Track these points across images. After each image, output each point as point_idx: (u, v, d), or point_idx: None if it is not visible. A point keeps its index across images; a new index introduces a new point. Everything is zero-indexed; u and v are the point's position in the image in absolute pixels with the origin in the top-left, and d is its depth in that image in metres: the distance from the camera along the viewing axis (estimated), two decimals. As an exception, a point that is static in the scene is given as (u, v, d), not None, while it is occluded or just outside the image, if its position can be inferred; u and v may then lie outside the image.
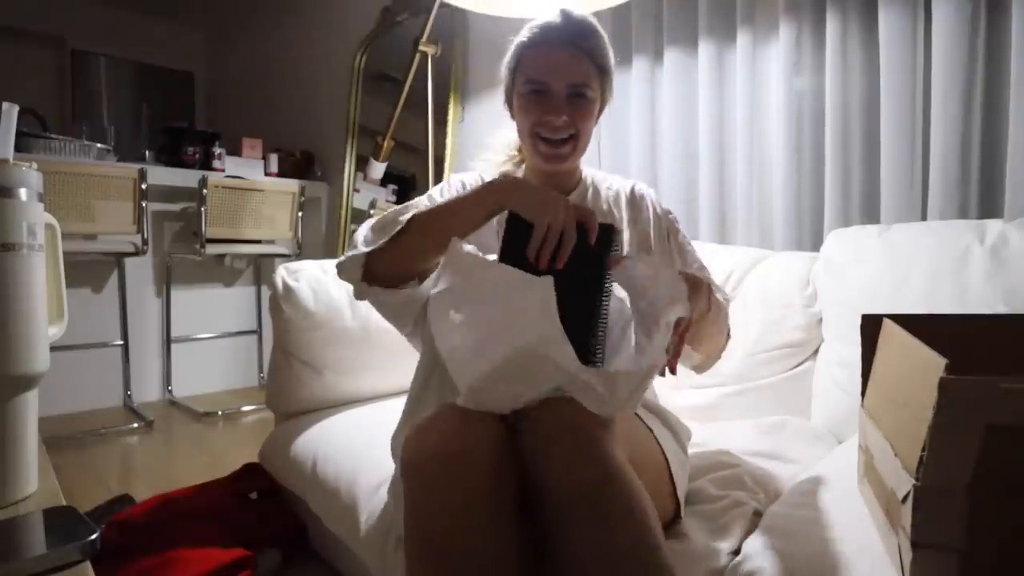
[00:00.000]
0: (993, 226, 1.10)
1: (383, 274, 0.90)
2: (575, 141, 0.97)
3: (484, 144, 1.13)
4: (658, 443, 0.89)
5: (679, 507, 0.88)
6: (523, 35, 0.99)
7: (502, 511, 0.69)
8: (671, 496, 0.87)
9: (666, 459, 0.88)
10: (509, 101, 1.02)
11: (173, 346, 2.90)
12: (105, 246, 2.55)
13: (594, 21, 0.98)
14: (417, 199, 1.04)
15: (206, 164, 2.93)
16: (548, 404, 0.73)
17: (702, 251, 1.14)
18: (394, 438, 0.97)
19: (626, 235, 1.05)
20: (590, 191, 1.08)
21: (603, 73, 0.97)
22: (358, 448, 1.18)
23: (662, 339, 0.74)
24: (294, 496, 1.34)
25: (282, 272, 1.44)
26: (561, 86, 0.94)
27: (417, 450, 0.72)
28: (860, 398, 0.82)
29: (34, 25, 3.98)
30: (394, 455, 0.96)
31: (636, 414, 0.92)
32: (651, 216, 1.07)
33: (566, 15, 0.96)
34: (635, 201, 1.08)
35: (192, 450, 2.27)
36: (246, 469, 1.49)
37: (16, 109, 0.76)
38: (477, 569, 0.66)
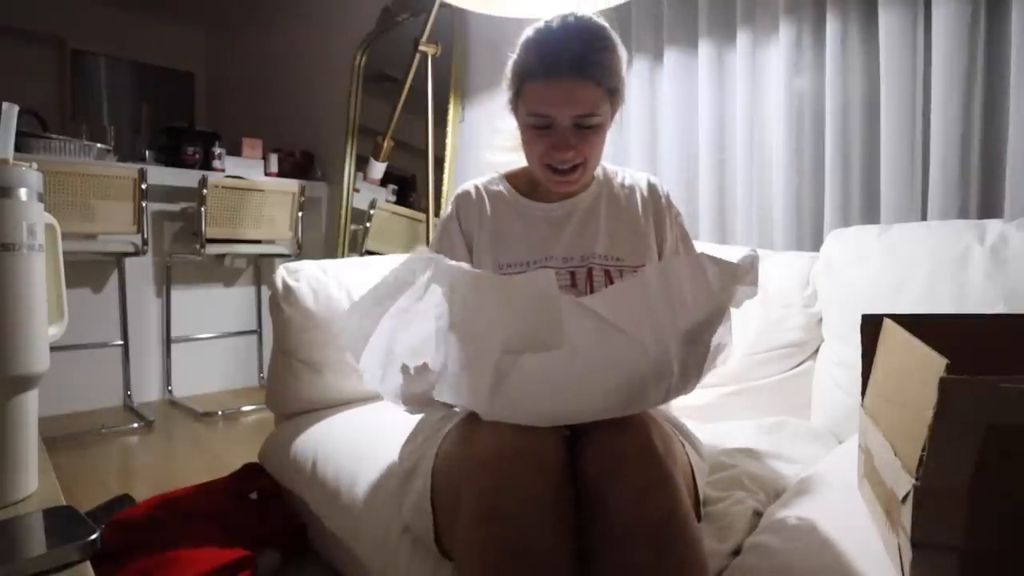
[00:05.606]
0: (993, 226, 1.10)
1: None
2: (584, 166, 0.97)
3: (496, 129, 1.10)
4: (688, 457, 0.89)
5: (698, 516, 0.88)
6: (525, 54, 0.94)
7: (563, 522, 0.70)
8: (694, 507, 0.87)
9: (692, 471, 0.87)
10: (514, 111, 1.00)
11: (173, 346, 2.89)
12: (105, 246, 2.55)
13: (603, 27, 0.93)
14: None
15: (206, 164, 2.93)
16: (616, 424, 0.74)
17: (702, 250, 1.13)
18: (409, 441, 0.96)
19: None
20: (603, 190, 1.08)
21: (612, 93, 0.94)
22: (358, 448, 1.18)
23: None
24: (294, 496, 1.33)
25: (282, 272, 1.44)
26: (567, 118, 0.92)
27: (496, 445, 0.71)
28: (860, 398, 0.82)
29: (34, 25, 3.97)
30: (403, 459, 0.94)
31: (677, 432, 0.91)
32: (665, 215, 1.08)
33: (570, 29, 0.92)
34: (654, 197, 1.09)
35: (192, 450, 2.27)
36: (246, 469, 1.48)
37: (16, 109, 0.76)
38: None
